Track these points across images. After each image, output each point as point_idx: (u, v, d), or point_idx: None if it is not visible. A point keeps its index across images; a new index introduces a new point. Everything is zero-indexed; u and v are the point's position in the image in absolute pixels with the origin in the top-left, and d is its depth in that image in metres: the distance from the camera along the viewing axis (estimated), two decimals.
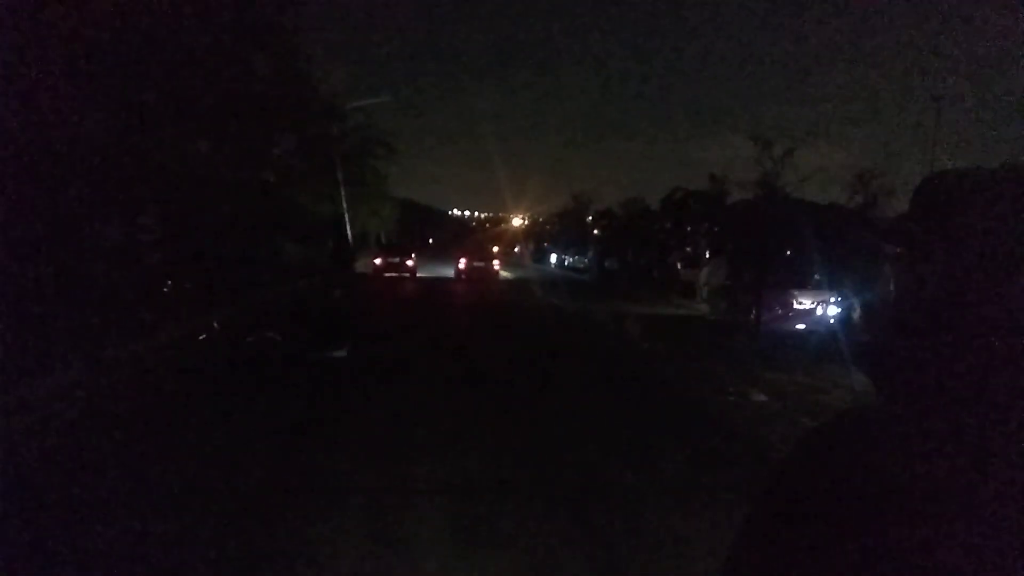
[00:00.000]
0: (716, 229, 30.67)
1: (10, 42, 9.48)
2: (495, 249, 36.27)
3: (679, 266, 28.56)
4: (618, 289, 28.77)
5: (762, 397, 8.71)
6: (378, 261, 29.62)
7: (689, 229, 36.50)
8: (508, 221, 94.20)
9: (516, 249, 70.45)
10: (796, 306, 16.34)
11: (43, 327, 9.23)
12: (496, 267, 32.14)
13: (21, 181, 9.60)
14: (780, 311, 16.30)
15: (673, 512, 4.77)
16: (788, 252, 20.02)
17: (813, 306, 16.31)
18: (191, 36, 12.82)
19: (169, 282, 14.35)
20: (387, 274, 28.74)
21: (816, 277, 16.93)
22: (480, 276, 29.97)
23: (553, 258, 53.76)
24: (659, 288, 27.23)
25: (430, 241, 52.20)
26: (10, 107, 9.58)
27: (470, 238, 50.26)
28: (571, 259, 49.29)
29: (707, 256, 27.22)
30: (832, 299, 16.14)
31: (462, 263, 30.66)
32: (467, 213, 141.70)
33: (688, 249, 31.11)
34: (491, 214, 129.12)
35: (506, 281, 31.61)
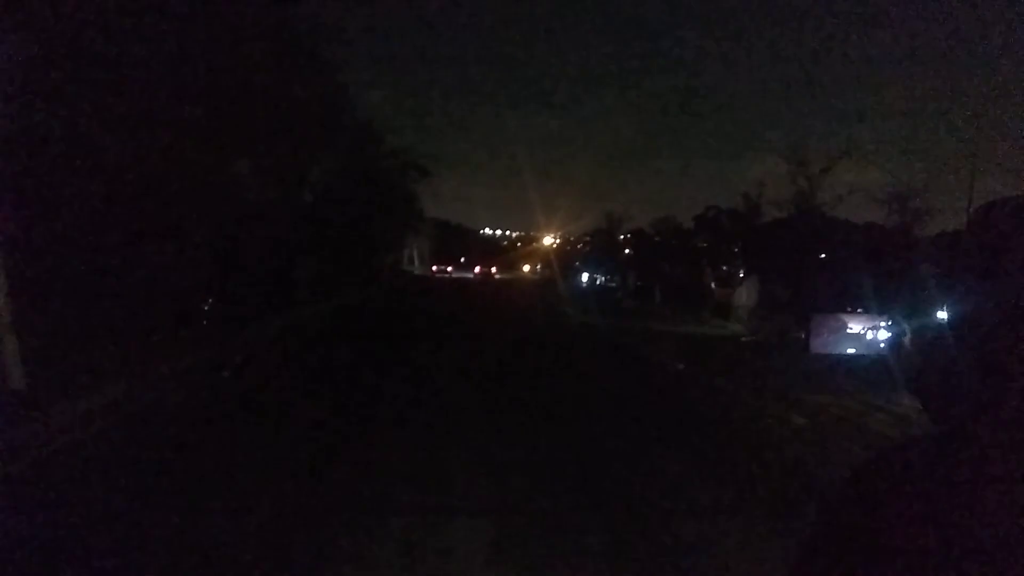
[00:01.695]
0: (750, 248, 30.38)
1: (63, 72, 9.91)
2: (525, 265, 73.44)
3: (713, 285, 28.30)
4: (650, 308, 28.57)
5: (801, 420, 8.58)
6: (434, 268, 65.71)
7: (723, 248, 36.18)
8: (539, 240, 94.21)
9: (538, 268, 71.18)
10: (846, 330, 16.23)
11: (91, 345, 9.54)
12: (493, 272, 64.07)
13: (72, 205, 9.98)
14: (828, 335, 16.16)
15: (711, 536, 4.74)
16: (824, 271, 19.76)
17: (863, 330, 16.14)
18: (234, 63, 13.23)
19: (210, 300, 14.71)
20: (438, 275, 61.38)
21: (864, 301, 16.77)
22: (485, 278, 60.34)
23: (584, 277, 53.61)
24: (692, 307, 26.98)
25: (462, 260, 75.89)
26: (60, 132, 9.99)
27: (484, 256, 75.81)
28: (602, 278, 49.14)
29: (741, 276, 26.93)
30: (882, 323, 15.94)
31: (477, 270, 65.46)
32: (498, 232, 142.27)
33: (724, 268, 30.81)
34: (522, 233, 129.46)
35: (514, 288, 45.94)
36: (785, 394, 10.18)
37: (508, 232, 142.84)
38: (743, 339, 18.28)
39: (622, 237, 63.33)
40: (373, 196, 29.45)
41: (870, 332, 16.17)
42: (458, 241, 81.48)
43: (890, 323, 15.90)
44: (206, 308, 14.60)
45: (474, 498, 5.35)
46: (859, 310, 16.48)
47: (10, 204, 8.17)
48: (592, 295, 37.75)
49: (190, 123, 12.66)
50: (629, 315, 25.52)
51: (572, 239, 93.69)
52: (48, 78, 9.68)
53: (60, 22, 9.34)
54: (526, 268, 75.90)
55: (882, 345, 15.49)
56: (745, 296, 21.67)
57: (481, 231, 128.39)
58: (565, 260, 69.63)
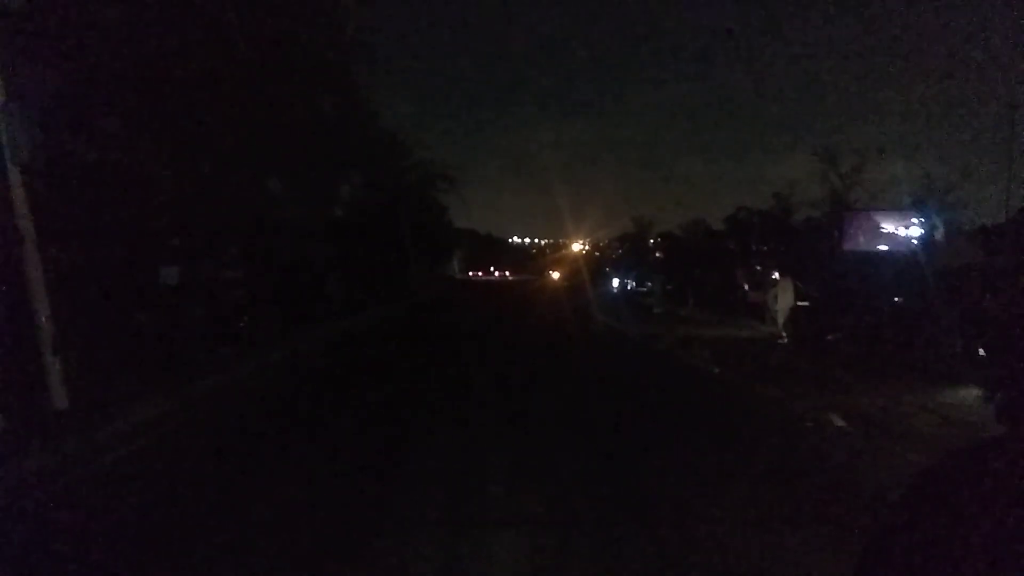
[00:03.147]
0: (783, 248, 29.93)
1: (100, 100, 10.19)
2: (554, 273, 78.74)
3: (746, 287, 27.87)
4: (683, 312, 28.28)
5: (841, 423, 8.38)
6: (470, 273, 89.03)
7: (755, 249, 35.68)
8: (568, 247, 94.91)
9: (567, 274, 71.15)
10: (879, 229, 17.22)
11: (132, 364, 9.75)
12: (507, 274, 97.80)
13: (112, 227, 10.24)
14: (861, 234, 17.46)
15: (754, 544, 4.63)
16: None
17: (895, 228, 17.24)
18: (262, 81, 13.47)
19: (246, 317, 14.94)
20: (473, 279, 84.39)
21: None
22: (502, 278, 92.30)
23: (615, 282, 53.33)
24: (726, 310, 26.62)
25: (491, 268, 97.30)
26: (98, 157, 10.27)
27: (510, 264, 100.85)
28: (632, 283, 48.79)
29: (774, 277, 26.46)
30: (914, 220, 16.92)
31: (496, 273, 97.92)
32: (527, 240, 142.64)
33: (757, 268, 30.34)
34: (551, 240, 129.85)
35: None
36: (825, 396, 9.96)
37: (537, 240, 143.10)
38: (778, 341, 17.94)
39: (652, 241, 63.03)
40: (402, 209, 29.80)
41: (902, 229, 16.60)
42: (488, 250, 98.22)
43: (923, 220, 16.34)
44: (242, 325, 14.84)
45: (513, 510, 5.31)
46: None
47: (52, 227, 8.40)
48: (623, 300, 37.52)
49: (222, 144, 12.92)
50: (661, 320, 25.28)
51: (601, 245, 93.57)
52: (86, 106, 9.98)
53: (98, 52, 9.61)
54: (555, 275, 76.14)
55: (914, 241, 15.76)
56: (779, 297, 21.29)
57: (510, 240, 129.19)
58: (595, 266, 69.41)
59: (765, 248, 33.34)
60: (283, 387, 11.08)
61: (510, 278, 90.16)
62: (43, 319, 7.62)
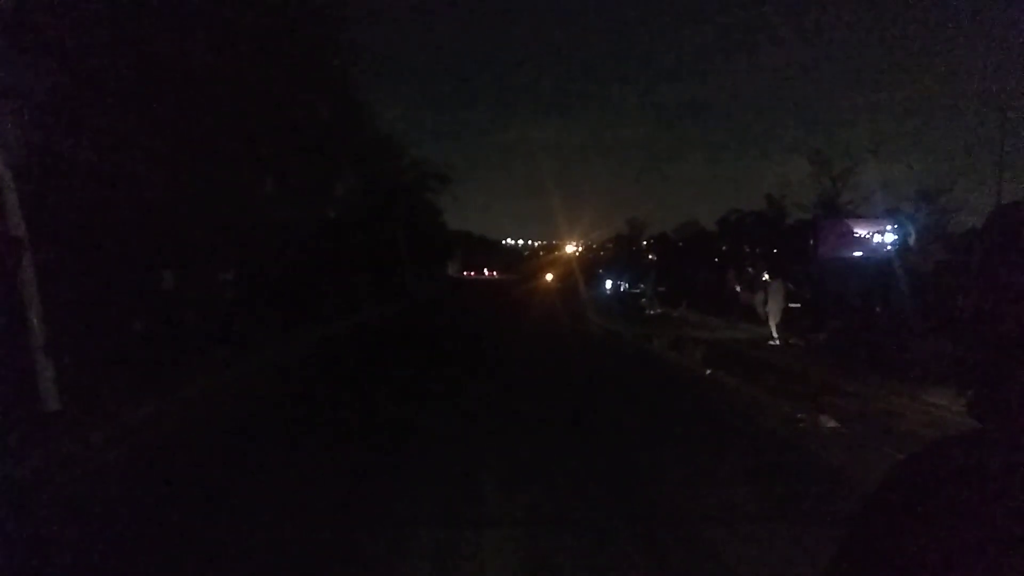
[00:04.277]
0: (774, 250, 30.07)
1: (94, 101, 10.16)
2: (548, 274, 75.92)
3: (738, 289, 27.95)
4: (676, 314, 28.33)
5: (833, 424, 8.43)
6: (464, 273, 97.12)
7: (747, 251, 35.85)
8: (562, 248, 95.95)
9: (561, 276, 71.23)
10: (852, 235, 17.86)
11: (125, 366, 9.71)
12: (494, 273, 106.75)
13: (104, 229, 10.20)
14: (835, 240, 18.13)
15: (749, 543, 4.67)
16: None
17: (869, 234, 17.80)
18: (257, 82, 13.45)
19: (240, 319, 14.90)
20: (466, 277, 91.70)
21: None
22: (489, 276, 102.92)
23: (608, 284, 53.35)
24: (718, 312, 26.69)
25: (485, 270, 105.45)
26: (91, 158, 10.24)
27: (502, 265, 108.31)
28: (626, 285, 48.81)
29: (765, 278, 26.59)
30: (888, 227, 17.49)
31: (486, 272, 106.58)
32: (520, 242, 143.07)
33: (750, 270, 30.47)
34: (544, 242, 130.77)
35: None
36: (817, 397, 10.01)
37: (531, 242, 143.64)
38: (770, 343, 18.00)
39: (645, 243, 63.26)
40: (397, 209, 29.83)
41: (876, 235, 16.99)
42: (482, 251, 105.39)
43: (896, 226, 16.66)
44: (236, 326, 14.80)
45: (507, 509, 5.33)
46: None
47: (45, 229, 8.37)
48: (616, 302, 37.50)
49: (217, 145, 12.89)
50: (654, 321, 25.32)
51: (594, 246, 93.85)
52: (80, 108, 9.95)
53: (92, 53, 9.59)
54: (549, 277, 75.98)
55: (888, 248, 16.05)
56: (770, 299, 21.39)
57: (503, 241, 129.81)
58: (588, 267, 69.34)
59: (757, 250, 33.49)
60: (277, 388, 11.06)
61: (497, 277, 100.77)
62: (35, 321, 7.59)
